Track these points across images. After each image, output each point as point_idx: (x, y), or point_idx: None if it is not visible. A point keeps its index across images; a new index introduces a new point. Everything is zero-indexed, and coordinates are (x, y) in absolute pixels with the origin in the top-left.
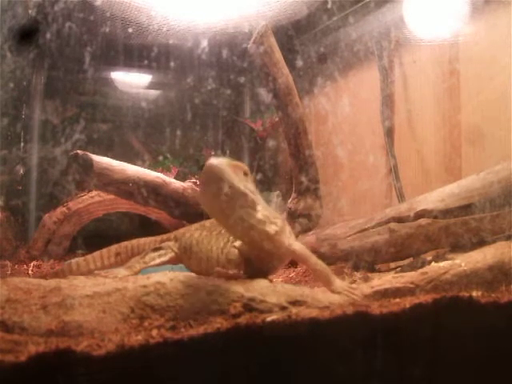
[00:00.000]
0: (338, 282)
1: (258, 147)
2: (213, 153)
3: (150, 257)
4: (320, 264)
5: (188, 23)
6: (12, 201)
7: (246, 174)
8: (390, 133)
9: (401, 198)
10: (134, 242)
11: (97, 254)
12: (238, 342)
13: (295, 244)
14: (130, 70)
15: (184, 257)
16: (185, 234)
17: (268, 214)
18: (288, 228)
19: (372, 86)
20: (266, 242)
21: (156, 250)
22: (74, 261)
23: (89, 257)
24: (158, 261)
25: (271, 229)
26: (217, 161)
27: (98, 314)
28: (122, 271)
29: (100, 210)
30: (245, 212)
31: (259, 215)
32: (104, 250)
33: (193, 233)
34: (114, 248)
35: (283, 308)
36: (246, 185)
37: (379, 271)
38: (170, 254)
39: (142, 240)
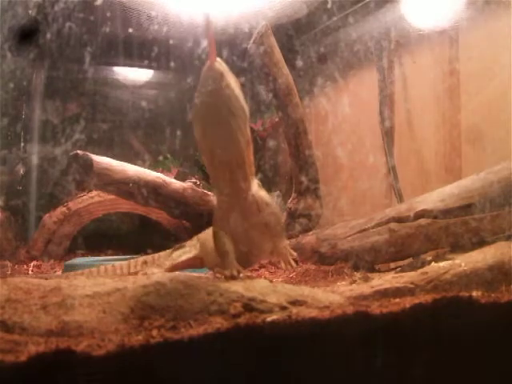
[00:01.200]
0: (286, 243)
1: (258, 147)
2: None
3: (176, 254)
4: (279, 217)
5: (188, 23)
6: (12, 201)
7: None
8: (389, 133)
9: (399, 198)
10: (161, 253)
11: (125, 262)
12: (237, 341)
13: (260, 191)
14: (129, 69)
15: (203, 254)
16: (205, 232)
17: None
18: (257, 182)
19: (372, 87)
20: (237, 165)
21: (180, 247)
22: (102, 266)
23: (117, 264)
24: (184, 257)
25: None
26: (218, 64)
27: (98, 314)
28: (154, 269)
29: (100, 209)
30: (235, 124)
31: (247, 134)
32: (132, 260)
33: (210, 230)
34: (141, 258)
35: (283, 308)
36: (243, 99)
37: (379, 271)
38: (194, 251)
39: (168, 251)
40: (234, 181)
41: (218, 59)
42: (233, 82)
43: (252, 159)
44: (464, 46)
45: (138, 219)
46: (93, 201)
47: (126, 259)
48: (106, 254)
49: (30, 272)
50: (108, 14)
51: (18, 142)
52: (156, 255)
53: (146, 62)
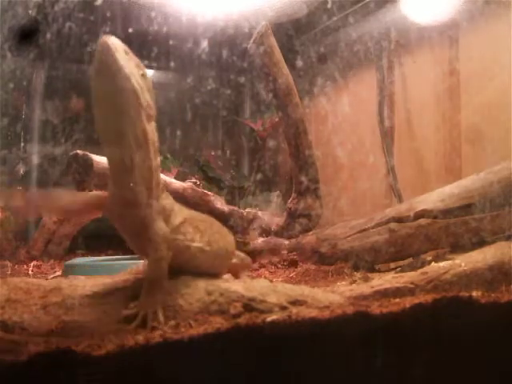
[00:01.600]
0: (160, 298)
1: (258, 147)
2: (213, 153)
3: None
4: (159, 270)
5: (188, 23)
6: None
7: (144, 75)
8: (388, 133)
9: (399, 198)
10: None
11: None
12: (238, 341)
13: (163, 228)
14: None
15: None
16: None
17: (157, 161)
18: (168, 209)
19: (372, 87)
20: (138, 180)
21: None
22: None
23: None
24: None
25: (152, 163)
26: (113, 39)
27: (98, 314)
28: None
29: None
30: (128, 118)
31: (149, 132)
32: None
33: None
34: None
35: (283, 308)
36: (140, 84)
37: (379, 271)
38: None
39: None
40: (122, 180)
41: (113, 37)
42: (125, 60)
43: (152, 164)
44: (464, 46)
45: None
46: None
47: (126, 259)
48: (106, 254)
49: (30, 272)
50: (108, 14)
51: (18, 142)
52: None
53: (145, 61)
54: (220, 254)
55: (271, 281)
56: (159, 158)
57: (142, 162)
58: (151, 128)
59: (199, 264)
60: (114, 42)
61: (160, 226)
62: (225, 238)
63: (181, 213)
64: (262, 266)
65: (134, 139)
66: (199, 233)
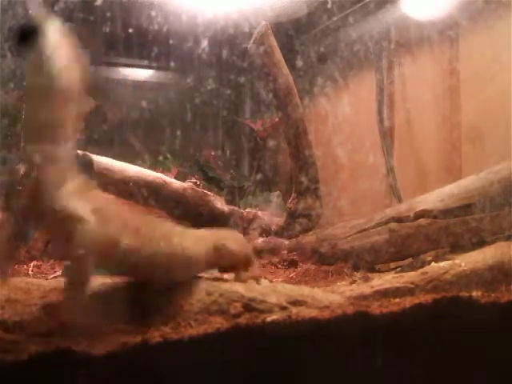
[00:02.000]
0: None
1: (258, 147)
2: (213, 153)
3: None
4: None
5: (187, 23)
6: (12, 201)
7: (78, 56)
8: (387, 133)
9: (398, 198)
10: None
11: None
12: (237, 342)
13: (74, 205)
14: (129, 69)
15: None
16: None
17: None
18: (79, 185)
19: (372, 87)
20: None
21: None
22: None
23: None
24: None
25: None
26: (53, 20)
27: (98, 313)
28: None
29: None
30: (42, 95)
31: (63, 113)
32: None
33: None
34: None
35: (283, 308)
36: (66, 64)
37: (379, 271)
38: None
39: None
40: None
41: (54, 18)
42: (53, 38)
43: (62, 147)
44: (464, 46)
45: None
46: None
47: None
48: None
49: (30, 272)
50: (108, 14)
51: (18, 142)
52: None
53: (146, 61)
54: (169, 259)
55: (271, 281)
56: (75, 148)
57: (51, 145)
58: (68, 111)
59: (138, 267)
60: (51, 21)
61: (72, 205)
62: (186, 241)
63: (105, 204)
64: (262, 266)
65: (45, 116)
66: (126, 227)
